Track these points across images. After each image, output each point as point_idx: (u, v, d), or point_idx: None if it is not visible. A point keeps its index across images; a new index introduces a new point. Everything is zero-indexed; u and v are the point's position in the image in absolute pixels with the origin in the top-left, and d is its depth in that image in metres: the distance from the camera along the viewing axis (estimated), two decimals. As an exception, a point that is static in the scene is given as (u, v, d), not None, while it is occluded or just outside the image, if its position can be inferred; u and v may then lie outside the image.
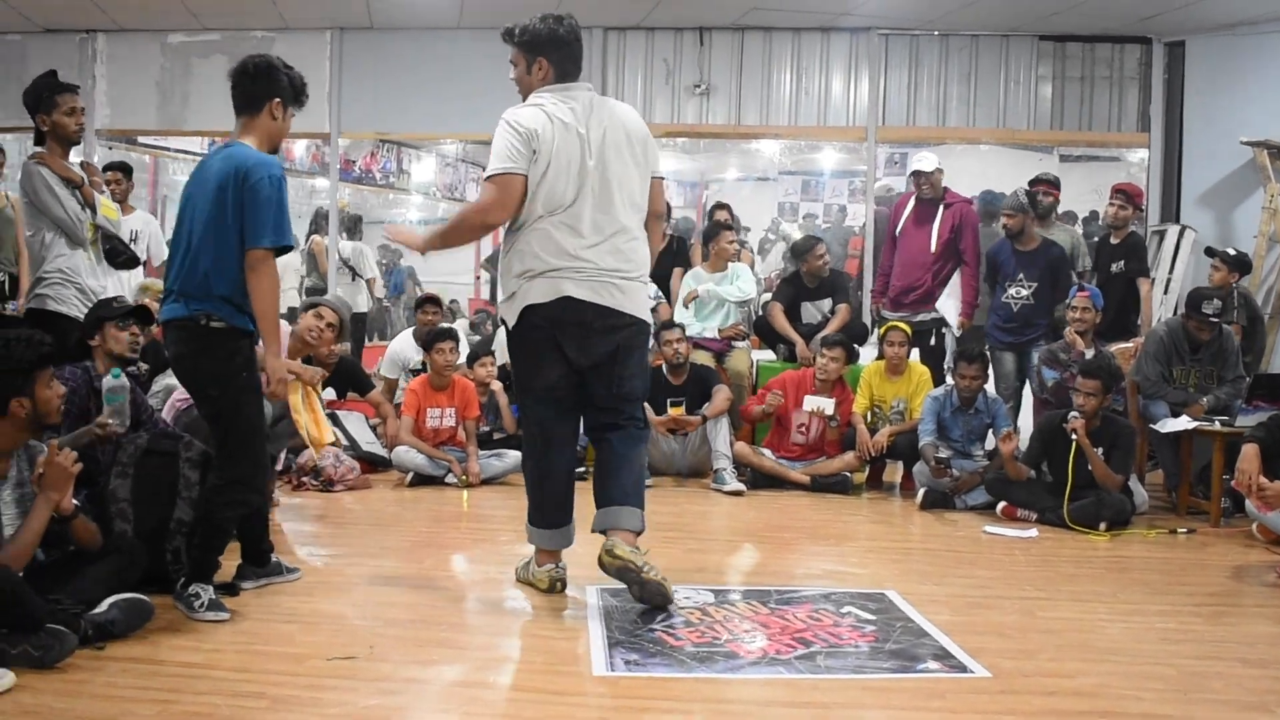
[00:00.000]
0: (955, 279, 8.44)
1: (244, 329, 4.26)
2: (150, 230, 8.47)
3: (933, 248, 8.38)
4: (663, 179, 4.82)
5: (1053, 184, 8.66)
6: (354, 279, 11.37)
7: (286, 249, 4.30)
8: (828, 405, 7.66)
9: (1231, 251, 8.15)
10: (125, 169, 8.76)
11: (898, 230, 8.70)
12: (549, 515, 4.84)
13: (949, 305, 8.41)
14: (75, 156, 6.08)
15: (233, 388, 4.26)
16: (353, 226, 12.05)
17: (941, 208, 8.43)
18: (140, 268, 7.10)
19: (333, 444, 6.12)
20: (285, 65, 4.54)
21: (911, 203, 8.64)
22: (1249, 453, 5.48)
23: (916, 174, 8.47)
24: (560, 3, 9.39)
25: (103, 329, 5.23)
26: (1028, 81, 10.24)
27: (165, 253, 8.36)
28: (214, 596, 4.28)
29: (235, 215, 4.18)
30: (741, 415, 8.04)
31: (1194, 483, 7.15)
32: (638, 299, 4.71)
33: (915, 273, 8.47)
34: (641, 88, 10.31)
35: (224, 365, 4.23)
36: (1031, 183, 8.57)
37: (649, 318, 4.80)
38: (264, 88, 4.45)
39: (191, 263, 4.23)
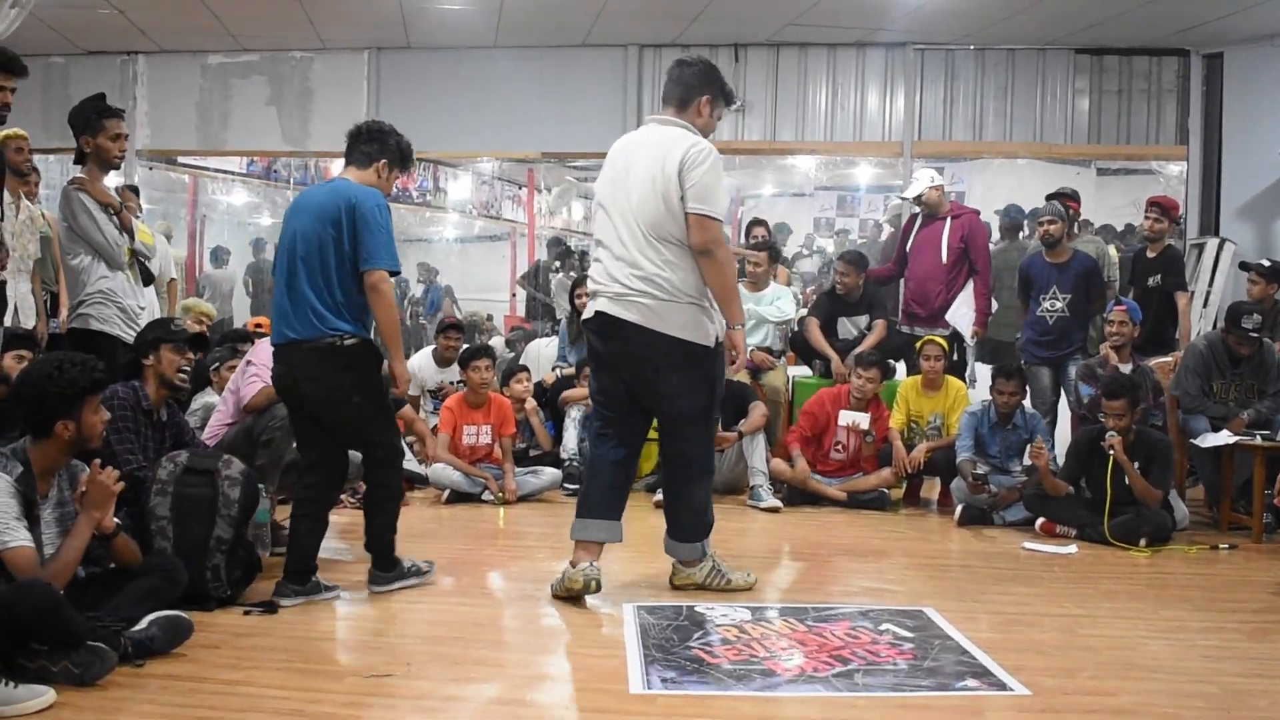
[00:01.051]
0: (967, 290, 8.40)
1: (370, 340, 4.86)
2: (161, 248, 8.53)
3: (943, 259, 8.36)
4: (702, 214, 4.72)
5: (1072, 197, 8.62)
6: None
7: (397, 273, 4.88)
8: (863, 420, 7.64)
9: (1266, 263, 8.07)
10: (137, 191, 8.81)
11: (908, 247, 8.70)
12: (588, 505, 5.09)
13: (961, 316, 8.37)
14: (112, 181, 6.13)
15: (372, 392, 4.89)
16: None
17: (949, 220, 8.41)
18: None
19: None
20: (396, 133, 5.16)
21: (919, 219, 8.64)
22: None
23: (917, 199, 8.53)
24: (596, 21, 9.41)
25: (159, 350, 5.22)
26: (1064, 95, 10.21)
27: (172, 271, 8.55)
28: (413, 563, 5.14)
29: (350, 242, 4.72)
30: (787, 445, 8.01)
31: (1235, 498, 7.08)
32: (674, 319, 4.76)
33: (929, 285, 8.45)
34: (677, 105, 10.31)
35: (362, 375, 4.83)
36: (1049, 197, 8.53)
37: (699, 339, 4.81)
38: (376, 149, 5.05)
39: (311, 289, 4.74)
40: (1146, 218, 8.33)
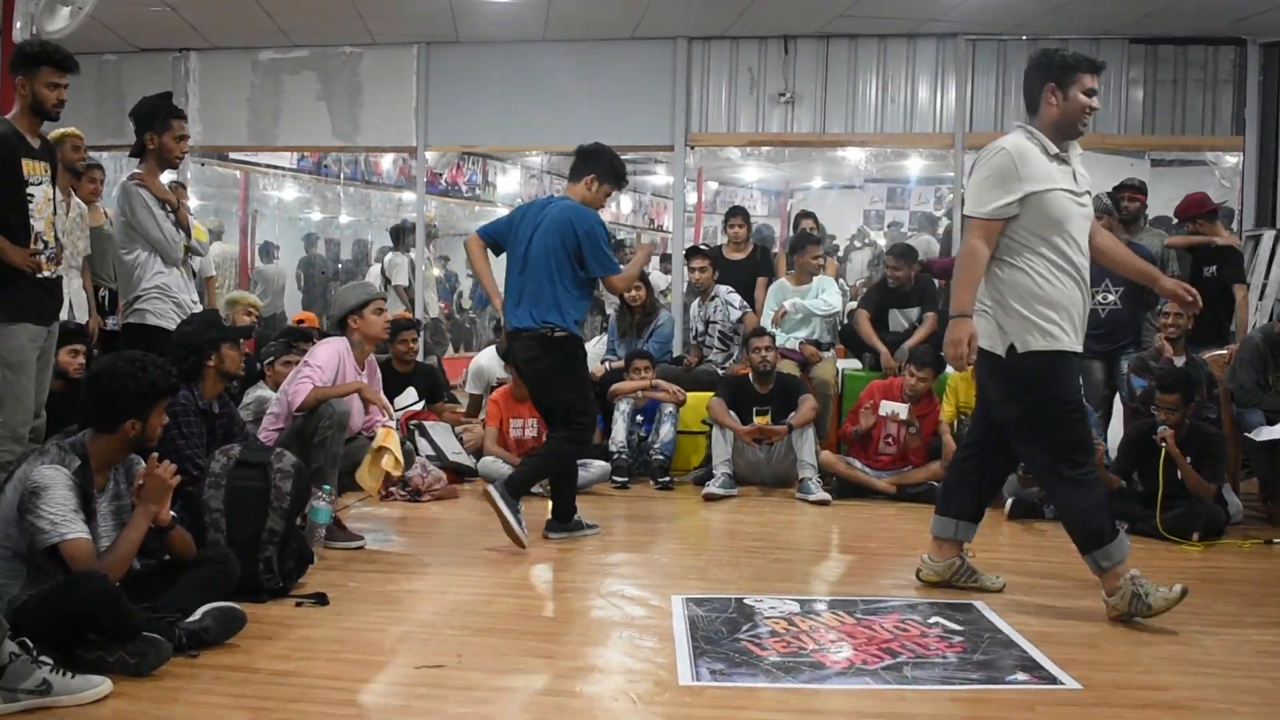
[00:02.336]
0: None
1: (575, 334, 6.06)
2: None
3: None
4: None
5: (1138, 189, 8.51)
6: (385, 286, 11.43)
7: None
8: (902, 410, 7.59)
9: None
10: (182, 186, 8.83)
11: None
12: (941, 502, 5.36)
13: None
14: (165, 178, 6.21)
15: (576, 377, 6.12)
16: (399, 238, 12.00)
17: None
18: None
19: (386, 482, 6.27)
20: (609, 153, 6.24)
21: None
22: None
23: None
24: (644, 13, 9.41)
25: (220, 350, 5.32)
26: (1119, 85, 10.08)
27: (211, 269, 8.88)
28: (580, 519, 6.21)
29: (574, 252, 5.96)
30: (842, 438, 8.00)
31: (1289, 493, 7.00)
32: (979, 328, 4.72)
33: None
34: (726, 97, 10.31)
35: (565, 361, 6.01)
36: (1116, 188, 8.43)
37: (991, 347, 4.71)
38: (590, 165, 6.18)
39: (536, 286, 5.98)
40: (1186, 230, 8.29)
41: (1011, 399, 4.75)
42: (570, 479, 6.26)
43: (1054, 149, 4.64)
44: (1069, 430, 4.68)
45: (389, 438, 5.84)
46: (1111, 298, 7.82)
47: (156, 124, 5.90)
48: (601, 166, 6.15)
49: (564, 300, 5.96)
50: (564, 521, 6.19)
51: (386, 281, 11.50)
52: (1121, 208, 8.28)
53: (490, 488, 5.85)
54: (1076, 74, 4.62)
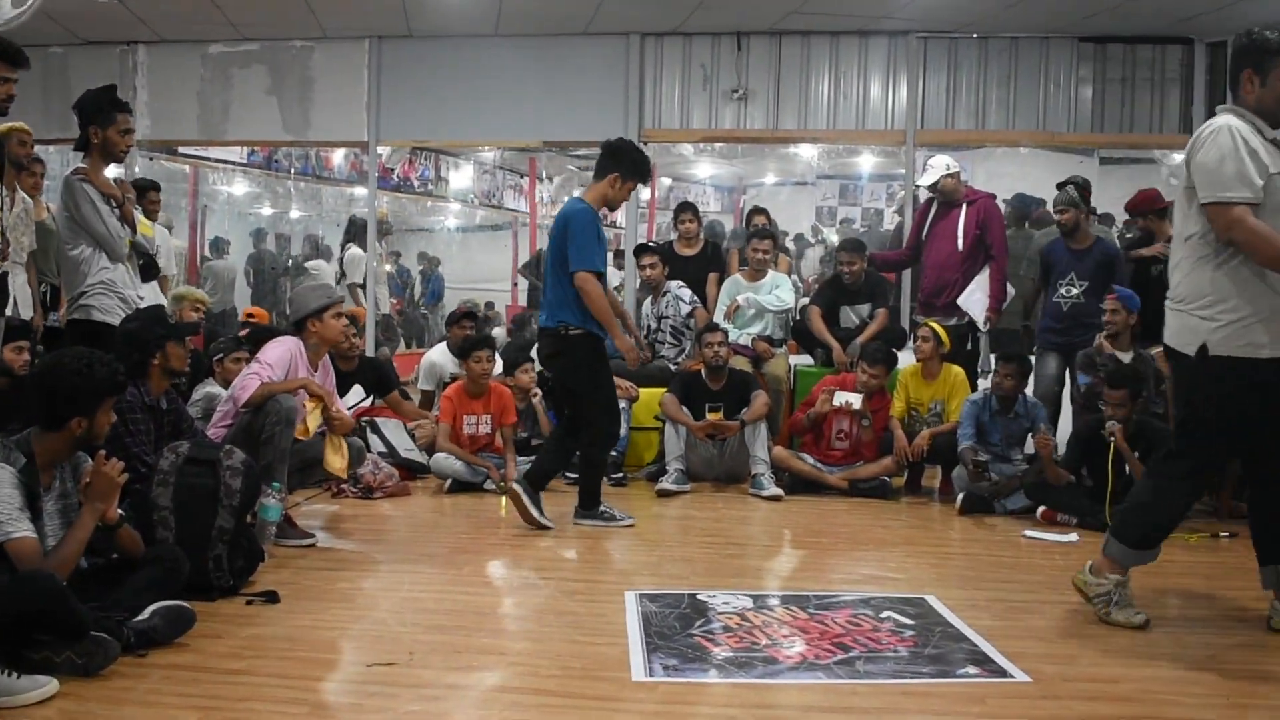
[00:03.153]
0: (983, 275, 8.36)
1: (592, 332, 6.16)
2: (167, 244, 8.55)
3: (960, 247, 8.34)
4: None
5: (1083, 185, 8.59)
6: (340, 280, 11.42)
7: (598, 273, 6.14)
8: (855, 400, 7.62)
9: None
10: (156, 186, 8.78)
11: (924, 234, 8.67)
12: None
13: (975, 303, 8.33)
14: (111, 173, 6.13)
15: (595, 375, 6.27)
16: (358, 234, 11.99)
17: (964, 206, 8.38)
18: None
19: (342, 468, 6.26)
20: (632, 149, 6.33)
21: (934, 207, 8.62)
22: None
23: (933, 187, 8.49)
24: (597, 9, 9.40)
25: (165, 348, 5.26)
26: (1068, 83, 10.17)
27: (173, 262, 8.77)
28: (607, 509, 6.38)
29: (565, 249, 6.10)
30: (791, 429, 8.01)
31: (1237, 487, 7.06)
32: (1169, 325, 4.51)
33: (946, 274, 8.40)
34: (679, 93, 10.31)
35: (579, 359, 6.20)
36: (1059, 186, 8.50)
37: (1179, 345, 4.41)
38: (614, 163, 6.22)
39: (551, 286, 6.23)
40: (1137, 226, 8.36)
41: (1192, 403, 4.42)
42: (595, 469, 6.53)
43: (1270, 132, 4.37)
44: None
45: (314, 409, 5.82)
46: (1075, 291, 7.88)
47: (101, 118, 5.84)
48: (624, 164, 6.22)
49: (575, 298, 6.11)
50: (589, 509, 6.44)
51: (342, 274, 11.48)
52: (1087, 199, 8.36)
53: (575, 520, 6.39)
54: (1277, 59, 4.40)
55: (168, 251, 8.55)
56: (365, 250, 11.20)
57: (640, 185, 6.55)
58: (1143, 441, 6.53)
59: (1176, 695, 3.67)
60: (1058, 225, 8.06)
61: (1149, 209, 8.26)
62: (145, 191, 7.98)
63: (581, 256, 6.08)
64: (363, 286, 11.20)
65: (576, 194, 6.33)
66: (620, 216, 10.77)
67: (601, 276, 6.22)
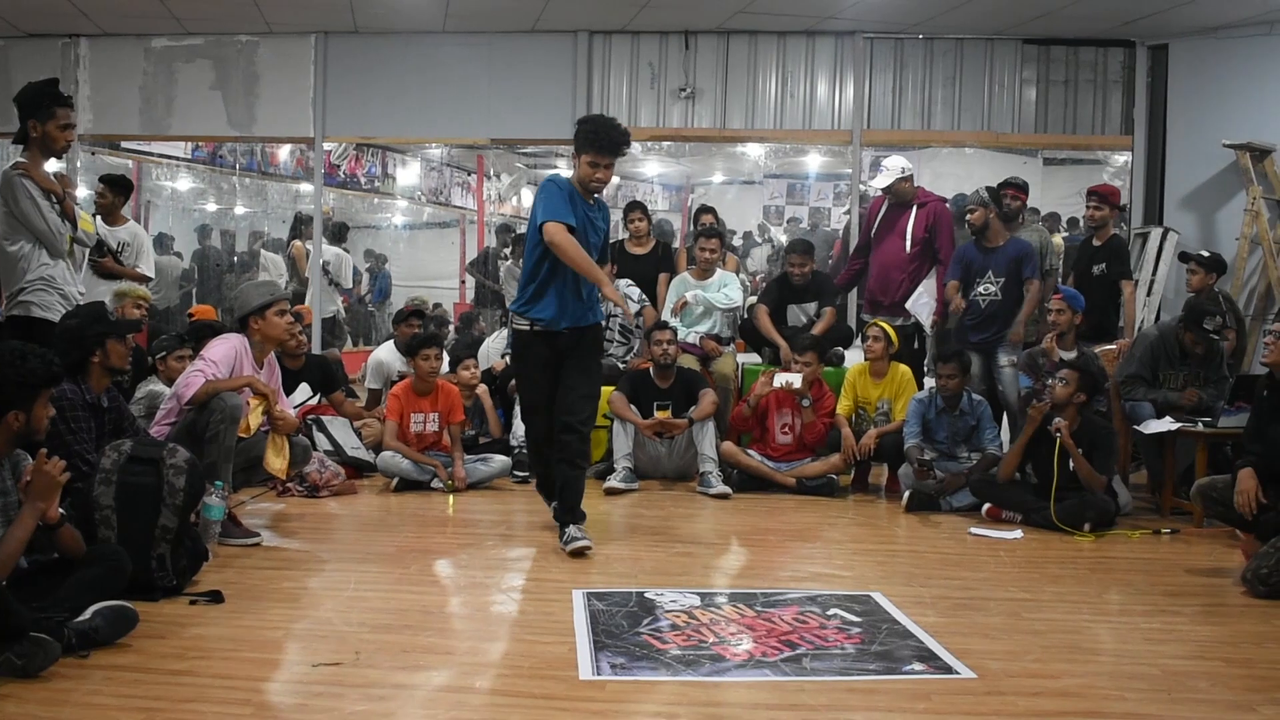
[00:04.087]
0: (930, 278, 8.42)
1: (520, 321, 5.81)
2: (138, 242, 8.38)
3: (907, 249, 8.40)
4: None
5: (1020, 188, 8.68)
6: (330, 284, 11.40)
7: (566, 225, 5.58)
8: (795, 379, 7.63)
9: (1206, 254, 8.16)
10: (118, 184, 8.54)
11: (872, 233, 8.73)
12: None
13: (922, 306, 8.40)
14: (50, 167, 6.05)
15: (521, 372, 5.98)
16: (338, 233, 12.08)
17: (914, 208, 8.44)
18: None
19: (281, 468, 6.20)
20: (589, 120, 5.84)
21: (885, 206, 8.67)
22: (1245, 476, 5.48)
23: (887, 190, 8.53)
24: (545, 7, 9.38)
25: (105, 345, 5.18)
26: (1012, 85, 10.26)
27: (151, 263, 8.46)
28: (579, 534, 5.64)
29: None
30: (733, 424, 8.01)
31: (1178, 484, 7.16)
32: None
33: (892, 274, 8.48)
34: (627, 92, 10.31)
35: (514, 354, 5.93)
36: (1000, 186, 8.58)
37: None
38: (575, 142, 5.80)
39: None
40: (1087, 205, 8.39)
41: None
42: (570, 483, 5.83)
43: None
44: None
45: (256, 407, 5.78)
46: (993, 289, 7.97)
47: (40, 112, 5.77)
48: (579, 139, 5.77)
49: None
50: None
51: (294, 272, 11.44)
52: (1004, 205, 8.42)
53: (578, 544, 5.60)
54: None
55: (138, 248, 8.38)
56: (344, 247, 11.26)
57: (604, 156, 5.73)
58: (1086, 438, 6.60)
59: (1119, 690, 3.71)
60: (967, 224, 8.14)
61: (1113, 201, 8.34)
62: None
63: (546, 209, 5.60)
64: (336, 285, 11.24)
65: (527, 191, 6.14)
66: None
67: (574, 230, 5.61)
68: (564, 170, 15.03)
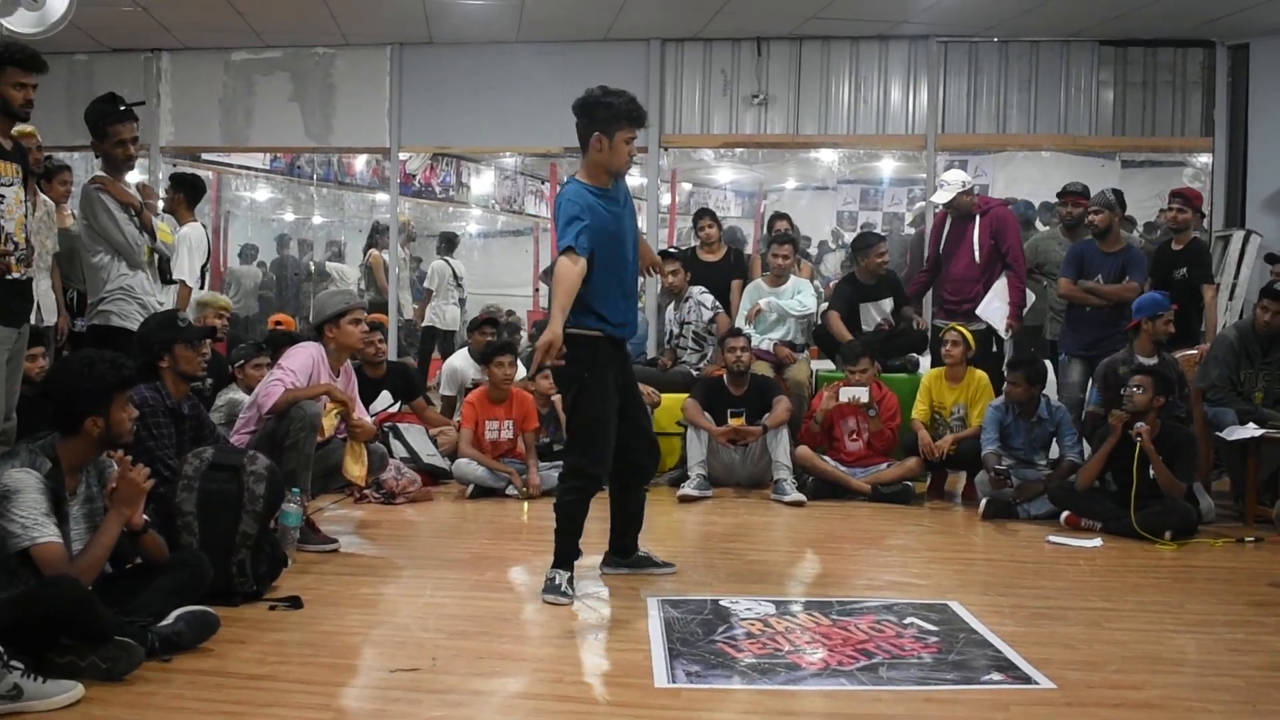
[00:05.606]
0: (1000, 281, 8.29)
1: (588, 336, 4.93)
2: (177, 243, 7.50)
3: (977, 259, 8.27)
4: None
5: (1080, 194, 8.53)
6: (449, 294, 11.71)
7: (575, 251, 4.76)
8: (862, 393, 7.59)
9: None
10: (182, 182, 8.20)
11: (940, 248, 8.61)
12: None
13: (994, 310, 8.25)
14: (134, 177, 6.17)
15: (575, 385, 5.00)
16: (448, 245, 12.26)
17: (977, 217, 8.32)
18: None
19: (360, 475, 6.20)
20: (599, 94, 5.11)
21: (949, 221, 8.55)
22: None
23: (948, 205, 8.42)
24: (618, 15, 9.41)
25: (173, 350, 5.27)
26: (1089, 87, 10.14)
27: (192, 270, 7.67)
28: (566, 583, 4.89)
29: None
30: (803, 440, 7.95)
31: (1262, 491, 7.03)
32: None
33: (967, 287, 8.32)
34: (699, 99, 10.32)
35: (570, 366, 4.87)
36: (1059, 195, 8.46)
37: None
38: (585, 126, 5.09)
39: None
40: (1170, 208, 8.22)
41: None
42: (627, 513, 5.48)
43: None
44: None
45: (331, 409, 5.83)
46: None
47: (97, 132, 5.93)
48: (597, 117, 5.07)
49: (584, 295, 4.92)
50: (623, 557, 5.45)
51: (370, 281, 11.60)
52: (1064, 214, 8.31)
53: (605, 570, 5.40)
54: None
55: (189, 254, 7.94)
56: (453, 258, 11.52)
57: (632, 129, 5.09)
58: (1167, 444, 6.50)
59: (1203, 702, 3.64)
60: (1089, 225, 7.99)
61: (1196, 204, 8.22)
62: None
63: (564, 233, 4.81)
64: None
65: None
66: (641, 222, 10.77)
67: (571, 251, 4.77)
68: (635, 178, 15.13)
